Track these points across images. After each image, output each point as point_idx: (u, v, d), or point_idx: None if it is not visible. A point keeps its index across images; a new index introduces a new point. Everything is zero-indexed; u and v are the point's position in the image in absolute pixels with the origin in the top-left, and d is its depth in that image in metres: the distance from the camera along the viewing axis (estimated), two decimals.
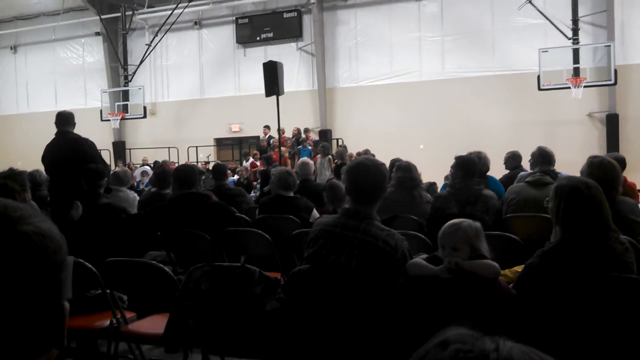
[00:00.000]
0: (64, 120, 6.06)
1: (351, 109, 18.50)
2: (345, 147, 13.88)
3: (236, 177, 14.15)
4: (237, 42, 20.04)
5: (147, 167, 15.97)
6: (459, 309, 2.43)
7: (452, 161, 4.44)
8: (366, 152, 11.82)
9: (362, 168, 2.81)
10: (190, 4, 18.91)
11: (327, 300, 2.67)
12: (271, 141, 15.35)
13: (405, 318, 2.50)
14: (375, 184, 2.78)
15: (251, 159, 15.85)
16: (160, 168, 6.00)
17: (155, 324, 3.41)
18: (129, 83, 20.00)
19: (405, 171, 4.88)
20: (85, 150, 5.89)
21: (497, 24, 16.83)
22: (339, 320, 2.60)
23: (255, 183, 13.25)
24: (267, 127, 16.13)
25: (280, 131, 11.79)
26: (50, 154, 6.02)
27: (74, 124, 6.13)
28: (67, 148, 5.88)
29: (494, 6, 16.84)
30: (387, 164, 3.46)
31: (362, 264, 2.66)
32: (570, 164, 7.41)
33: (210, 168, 11.11)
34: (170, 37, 20.19)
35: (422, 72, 17.77)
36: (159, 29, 19.48)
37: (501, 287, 2.55)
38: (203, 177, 5.03)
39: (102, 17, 19.99)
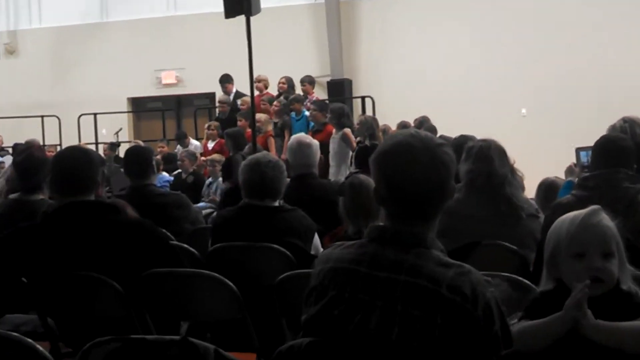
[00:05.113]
0: None
1: (386, 41, 11.98)
2: (373, 118, 9.05)
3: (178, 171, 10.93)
4: None
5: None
6: None
7: (579, 140, 3.22)
8: (420, 120, 8.66)
9: (404, 154, 1.96)
10: None
11: None
12: (239, 104, 10.90)
13: None
14: (430, 182, 1.94)
15: (195, 142, 12.49)
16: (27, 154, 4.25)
17: None
18: None
19: (484, 161, 3.58)
20: None
21: None
22: None
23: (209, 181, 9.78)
24: (228, 78, 11.41)
25: (255, 85, 8.03)
26: None
27: None
28: None
29: None
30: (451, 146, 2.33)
31: (410, 332, 1.80)
32: None
33: (122, 156, 8.57)
34: None
35: None
36: None
37: None
38: (104, 170, 4.06)
39: None
